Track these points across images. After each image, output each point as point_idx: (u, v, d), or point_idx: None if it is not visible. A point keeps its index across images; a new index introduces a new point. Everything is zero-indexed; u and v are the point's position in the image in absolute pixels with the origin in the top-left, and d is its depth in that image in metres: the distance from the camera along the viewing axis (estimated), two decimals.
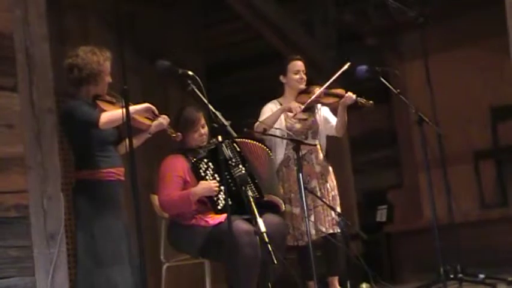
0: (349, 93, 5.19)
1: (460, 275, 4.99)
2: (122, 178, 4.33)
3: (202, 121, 4.94)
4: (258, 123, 5.16)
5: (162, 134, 4.64)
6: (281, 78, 5.39)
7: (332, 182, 5.33)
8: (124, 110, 3.88)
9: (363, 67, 5.26)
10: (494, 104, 7.07)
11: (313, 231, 5.14)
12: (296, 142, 4.97)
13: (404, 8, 5.62)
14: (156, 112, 4.35)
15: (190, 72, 4.32)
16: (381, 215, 7.30)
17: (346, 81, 5.41)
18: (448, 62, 7.06)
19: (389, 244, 7.20)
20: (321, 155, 5.35)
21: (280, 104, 5.35)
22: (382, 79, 5.28)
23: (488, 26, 6.63)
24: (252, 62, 7.97)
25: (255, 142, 5.02)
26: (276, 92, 5.47)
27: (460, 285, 4.95)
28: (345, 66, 5.27)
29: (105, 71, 4.31)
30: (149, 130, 4.45)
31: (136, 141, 4.49)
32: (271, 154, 5.11)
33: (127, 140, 3.99)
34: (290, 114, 5.24)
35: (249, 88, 7.91)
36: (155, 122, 4.44)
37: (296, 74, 5.35)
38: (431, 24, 5.43)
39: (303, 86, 5.35)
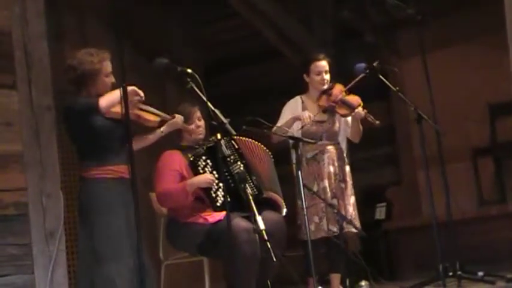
0: (359, 109, 5.21)
1: (459, 273, 4.99)
2: (124, 176, 4.29)
3: (198, 114, 4.96)
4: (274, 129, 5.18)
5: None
6: (304, 77, 5.40)
7: (348, 181, 5.33)
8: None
9: (362, 64, 5.26)
10: (492, 101, 7.07)
11: (325, 228, 5.15)
12: (295, 140, 4.98)
13: (402, 6, 5.62)
14: (142, 95, 4.31)
15: (189, 70, 4.32)
16: (380, 212, 7.30)
17: (345, 79, 5.42)
18: (446, 59, 7.07)
19: (388, 242, 7.20)
20: (336, 156, 5.34)
21: (303, 101, 5.38)
22: (381, 77, 5.28)
23: (486, 23, 6.63)
24: (251, 59, 7.96)
25: (254, 141, 5.03)
26: (274, 89, 5.47)
27: (459, 282, 4.95)
28: (361, 75, 5.28)
29: (102, 71, 4.28)
30: (162, 129, 4.47)
31: (150, 137, 4.51)
32: (270, 154, 5.12)
33: (143, 136, 4.02)
34: (298, 123, 5.24)
35: (247, 85, 7.91)
36: (169, 122, 4.48)
37: (318, 75, 5.35)
38: (429, 22, 5.43)
39: (325, 87, 5.36)
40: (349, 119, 5.40)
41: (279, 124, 5.27)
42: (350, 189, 5.34)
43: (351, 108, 5.25)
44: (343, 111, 5.31)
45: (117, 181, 4.24)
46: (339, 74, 6.16)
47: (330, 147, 5.33)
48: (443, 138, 5.33)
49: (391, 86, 5.32)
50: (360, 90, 5.34)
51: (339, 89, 5.33)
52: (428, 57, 5.45)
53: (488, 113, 7.15)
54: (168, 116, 4.52)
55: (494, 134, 7.14)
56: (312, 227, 5.08)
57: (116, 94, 4.15)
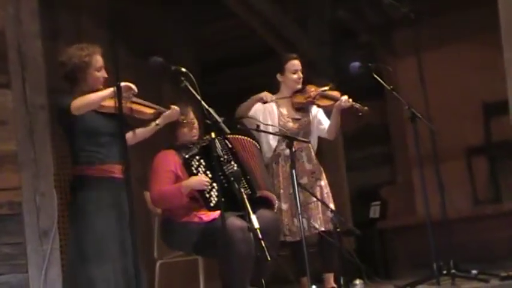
0: (345, 97, 5.20)
1: (453, 271, 4.98)
2: (116, 175, 4.28)
3: (191, 116, 4.96)
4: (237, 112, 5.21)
5: (158, 130, 4.64)
6: (278, 76, 5.40)
7: (324, 180, 5.35)
8: (102, 93, 3.95)
9: (356, 63, 5.26)
10: (487, 100, 7.08)
11: (305, 228, 5.15)
12: (289, 139, 4.98)
13: (397, 5, 5.62)
14: (135, 90, 4.30)
15: (183, 69, 4.32)
16: (374, 211, 7.31)
17: (341, 79, 5.43)
18: (441, 58, 7.08)
19: (382, 240, 7.22)
20: (312, 154, 5.36)
21: (276, 102, 5.37)
22: (375, 75, 5.29)
23: (481, 22, 6.64)
24: (247, 59, 7.98)
25: (246, 138, 5.03)
26: (271, 89, 5.47)
27: (453, 281, 4.94)
28: (328, 87, 5.31)
29: (91, 65, 4.27)
30: (158, 121, 4.47)
31: (146, 132, 4.51)
32: (259, 147, 5.12)
33: (130, 133, 4.00)
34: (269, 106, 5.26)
35: (243, 85, 7.91)
36: (165, 114, 4.46)
37: (294, 73, 5.35)
38: (424, 21, 5.44)
39: (299, 86, 5.37)
40: (322, 118, 5.39)
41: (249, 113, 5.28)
42: (328, 187, 5.34)
43: (334, 99, 5.24)
44: (325, 102, 5.30)
45: (107, 180, 4.23)
46: (335, 74, 6.19)
47: (307, 145, 5.33)
48: (437, 137, 5.33)
49: (385, 85, 5.32)
50: (354, 89, 5.34)
51: (313, 87, 5.34)
52: (423, 56, 5.44)
53: (483, 112, 7.17)
54: (163, 108, 4.50)
55: (489, 133, 7.16)
56: (294, 228, 5.09)
57: (92, 97, 4.14)
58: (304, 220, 5.11)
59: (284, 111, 5.33)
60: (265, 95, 5.29)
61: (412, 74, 5.60)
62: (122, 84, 3.97)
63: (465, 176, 7.15)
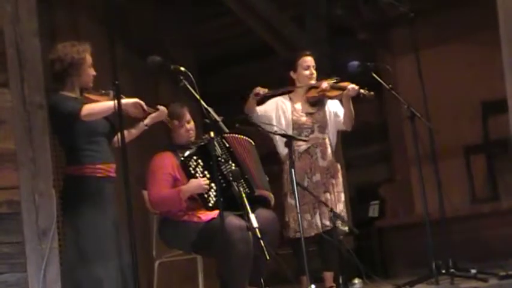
0: (352, 85, 5.23)
1: (452, 270, 4.99)
2: (112, 174, 4.30)
3: (188, 116, 4.95)
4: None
5: (156, 129, 4.64)
6: (291, 73, 5.41)
7: (339, 178, 5.35)
8: (113, 103, 3.94)
9: (355, 63, 5.27)
10: (485, 99, 7.09)
11: (319, 224, 5.17)
12: (288, 137, 4.99)
13: (395, 3, 5.62)
14: (145, 107, 4.34)
15: (182, 68, 4.32)
16: (373, 210, 7.30)
17: (339, 77, 5.44)
18: (439, 57, 7.09)
19: (381, 239, 7.22)
20: (329, 150, 5.37)
21: (290, 99, 5.37)
22: (374, 74, 5.29)
23: (479, 20, 6.65)
24: (244, 57, 7.97)
25: (242, 136, 5.02)
26: (269, 87, 5.47)
27: (452, 280, 4.95)
28: (333, 80, 5.35)
29: (86, 61, 4.33)
30: (146, 122, 4.46)
31: (134, 132, 4.51)
32: (253, 143, 5.11)
33: (119, 135, 4.00)
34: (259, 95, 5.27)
35: (240, 83, 7.90)
36: (153, 114, 4.46)
37: (306, 69, 5.38)
38: (422, 19, 5.44)
39: (313, 82, 5.37)
40: (338, 110, 5.39)
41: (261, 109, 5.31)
42: (341, 186, 5.35)
43: (342, 88, 5.27)
44: (334, 93, 5.33)
45: (103, 179, 4.25)
46: (333, 72, 6.17)
47: (322, 141, 5.33)
48: (436, 135, 5.34)
49: (384, 84, 5.33)
50: None
51: (325, 80, 5.36)
52: (421, 54, 5.46)
53: (481, 110, 7.17)
54: (151, 109, 4.51)
55: (487, 131, 7.16)
56: (304, 225, 5.08)
57: (102, 106, 4.18)
58: (317, 217, 5.15)
59: (298, 106, 5.36)
60: (258, 89, 5.28)
61: (410, 72, 5.61)
62: (132, 100, 4.14)
63: (463, 175, 7.15)
